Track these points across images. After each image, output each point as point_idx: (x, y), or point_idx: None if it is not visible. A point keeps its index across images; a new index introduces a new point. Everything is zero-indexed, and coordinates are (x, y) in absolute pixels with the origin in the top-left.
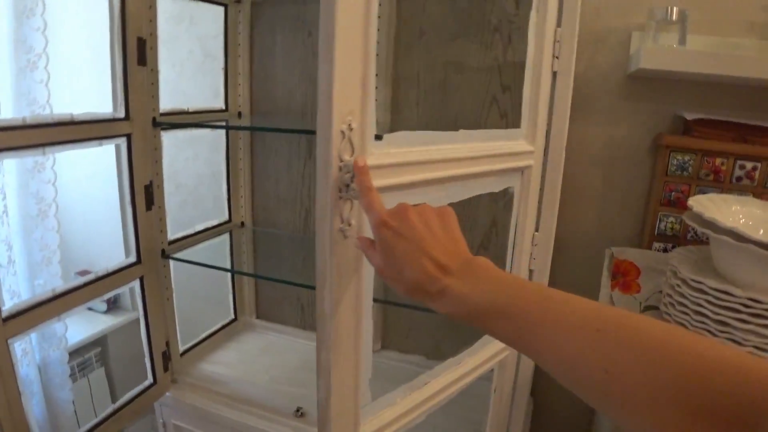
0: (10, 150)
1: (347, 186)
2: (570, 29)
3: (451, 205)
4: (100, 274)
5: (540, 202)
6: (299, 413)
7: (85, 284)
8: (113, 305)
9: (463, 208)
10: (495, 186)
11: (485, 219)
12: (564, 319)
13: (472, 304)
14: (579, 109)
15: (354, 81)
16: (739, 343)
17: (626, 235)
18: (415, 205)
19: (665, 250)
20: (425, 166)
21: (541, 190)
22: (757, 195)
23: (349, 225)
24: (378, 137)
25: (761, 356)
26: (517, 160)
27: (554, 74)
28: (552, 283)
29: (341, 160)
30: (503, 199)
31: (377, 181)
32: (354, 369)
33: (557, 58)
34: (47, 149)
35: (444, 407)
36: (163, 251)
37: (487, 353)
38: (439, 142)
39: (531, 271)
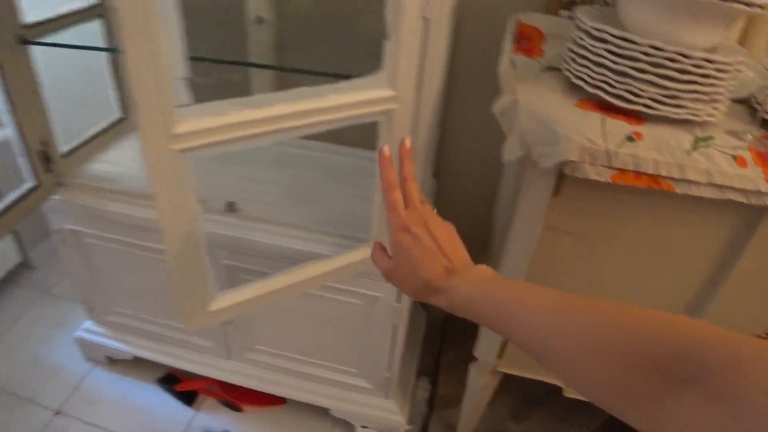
0: None
1: None
2: None
3: None
4: None
5: None
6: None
7: None
8: None
9: None
10: None
11: None
12: (530, 299)
13: (466, 298)
14: None
15: None
16: (637, 95)
17: (534, 5)
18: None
19: (572, 19)
20: None
21: None
22: None
23: None
24: None
25: (664, 179)
26: None
27: None
28: (455, 50)
29: None
30: None
31: None
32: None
33: None
34: None
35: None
36: (20, 37)
37: (361, 95)
38: None
39: (426, 19)
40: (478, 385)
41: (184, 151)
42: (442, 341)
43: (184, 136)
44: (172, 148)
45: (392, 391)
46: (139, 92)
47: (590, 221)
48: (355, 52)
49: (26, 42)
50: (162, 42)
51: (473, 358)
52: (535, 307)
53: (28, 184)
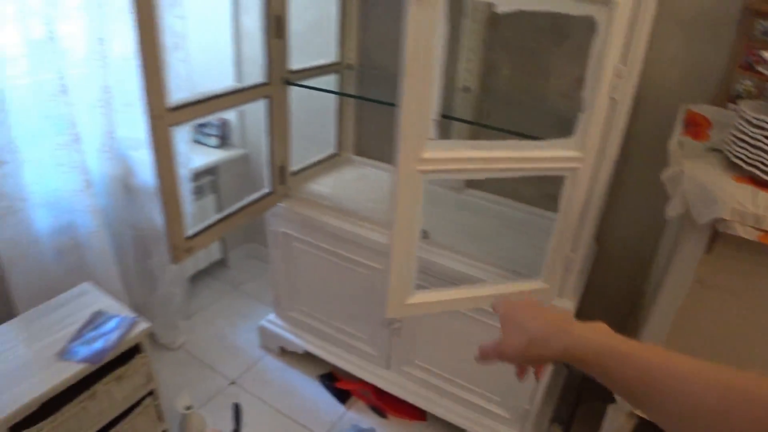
0: None
1: None
2: None
3: None
4: (244, 86)
5: (630, 39)
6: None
7: (232, 92)
8: (223, 141)
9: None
10: (572, 10)
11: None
12: (683, 366)
13: (595, 345)
14: None
15: None
16: None
17: (704, 97)
18: None
19: (736, 111)
20: None
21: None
22: None
23: None
24: None
25: None
26: None
27: None
28: (628, 136)
29: None
30: None
31: None
32: (422, 102)
33: None
34: None
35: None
36: (286, 79)
37: (555, 152)
38: None
39: (613, 99)
40: (614, 427)
41: (424, 172)
42: (578, 396)
43: (427, 161)
44: (416, 169)
45: (528, 426)
46: (406, 124)
47: (738, 279)
48: (540, 120)
49: (288, 83)
50: (428, 92)
51: (612, 400)
52: (687, 376)
53: (265, 189)
